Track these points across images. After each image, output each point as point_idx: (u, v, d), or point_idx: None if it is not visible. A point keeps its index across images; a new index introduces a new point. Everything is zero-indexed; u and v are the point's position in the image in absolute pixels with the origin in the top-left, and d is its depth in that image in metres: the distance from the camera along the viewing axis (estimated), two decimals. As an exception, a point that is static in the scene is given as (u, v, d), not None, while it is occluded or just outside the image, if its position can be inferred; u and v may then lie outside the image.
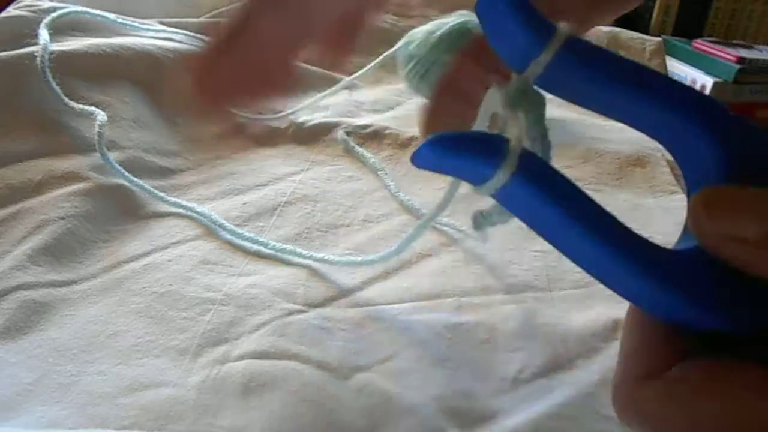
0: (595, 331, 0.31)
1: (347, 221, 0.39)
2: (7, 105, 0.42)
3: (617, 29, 0.68)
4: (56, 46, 0.45)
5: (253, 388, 0.27)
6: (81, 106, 0.42)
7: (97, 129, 0.40)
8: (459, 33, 0.48)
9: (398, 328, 0.31)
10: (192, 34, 0.55)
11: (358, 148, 0.46)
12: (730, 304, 0.15)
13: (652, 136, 0.18)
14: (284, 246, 0.35)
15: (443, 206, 0.24)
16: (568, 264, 0.17)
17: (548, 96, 0.19)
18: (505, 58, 0.18)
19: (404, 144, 0.48)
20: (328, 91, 0.50)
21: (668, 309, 0.16)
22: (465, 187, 0.19)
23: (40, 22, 0.46)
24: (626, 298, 0.17)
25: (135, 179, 0.39)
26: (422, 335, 0.30)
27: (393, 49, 0.53)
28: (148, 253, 0.35)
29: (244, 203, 0.40)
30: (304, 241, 0.37)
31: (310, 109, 0.52)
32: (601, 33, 0.67)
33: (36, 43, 0.44)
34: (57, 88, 0.42)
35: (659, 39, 0.67)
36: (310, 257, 0.35)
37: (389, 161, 0.46)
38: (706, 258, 0.15)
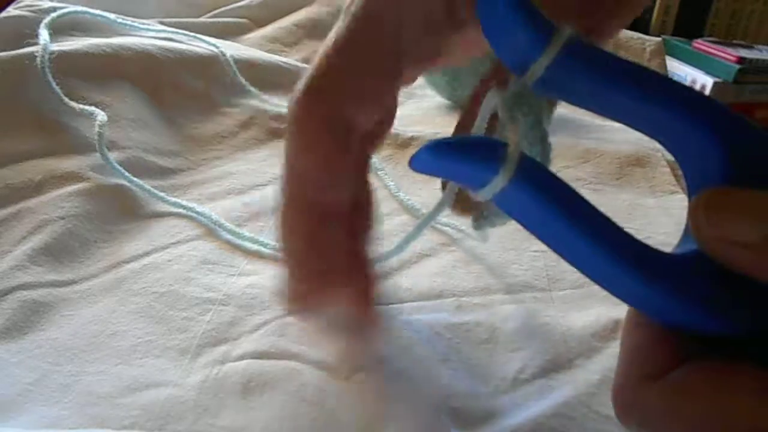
0: (595, 331, 0.31)
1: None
2: (7, 105, 0.42)
3: (617, 29, 0.68)
4: (56, 46, 0.45)
5: (253, 388, 0.27)
6: (81, 106, 0.42)
7: (97, 129, 0.40)
8: None
9: (398, 328, 0.31)
10: (192, 34, 0.55)
11: (358, 148, 0.46)
12: (730, 309, 0.15)
13: (653, 137, 0.18)
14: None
15: (442, 205, 0.24)
16: (568, 264, 0.17)
17: None
18: (505, 60, 0.18)
19: (404, 144, 0.48)
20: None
21: (668, 313, 0.16)
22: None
23: (40, 22, 0.46)
24: (625, 301, 0.17)
25: (135, 179, 0.39)
26: (422, 335, 0.30)
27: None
28: (148, 253, 0.35)
29: (244, 203, 0.40)
30: (304, 241, 0.37)
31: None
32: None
33: (36, 43, 0.44)
34: (57, 88, 0.42)
35: (659, 39, 0.67)
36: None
37: (389, 161, 0.46)
38: (706, 261, 0.15)
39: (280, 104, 0.52)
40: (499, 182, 0.16)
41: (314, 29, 0.65)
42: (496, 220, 0.22)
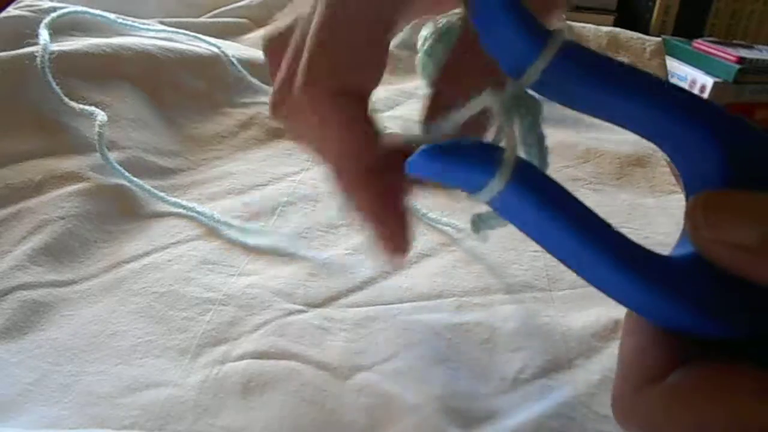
0: (595, 331, 0.31)
1: (347, 221, 0.39)
2: (6, 105, 0.42)
3: (617, 29, 0.68)
4: (56, 46, 0.45)
5: (253, 388, 0.27)
6: (81, 106, 0.42)
7: (97, 129, 0.40)
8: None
9: (398, 328, 0.31)
10: (192, 34, 0.55)
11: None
12: (729, 311, 0.15)
13: (650, 140, 0.18)
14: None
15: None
16: (567, 265, 0.17)
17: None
18: (501, 64, 0.18)
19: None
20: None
21: (666, 316, 0.16)
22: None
23: (40, 22, 0.46)
24: (624, 304, 0.17)
25: (135, 179, 0.39)
26: (422, 335, 0.30)
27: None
28: (148, 253, 0.35)
29: (244, 203, 0.40)
30: (304, 241, 0.37)
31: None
32: (601, 33, 0.67)
33: (36, 43, 0.44)
34: (57, 89, 0.42)
35: (659, 39, 0.67)
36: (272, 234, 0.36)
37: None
38: (703, 264, 0.15)
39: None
40: (495, 186, 0.16)
41: (314, 29, 0.65)
42: (495, 223, 0.22)
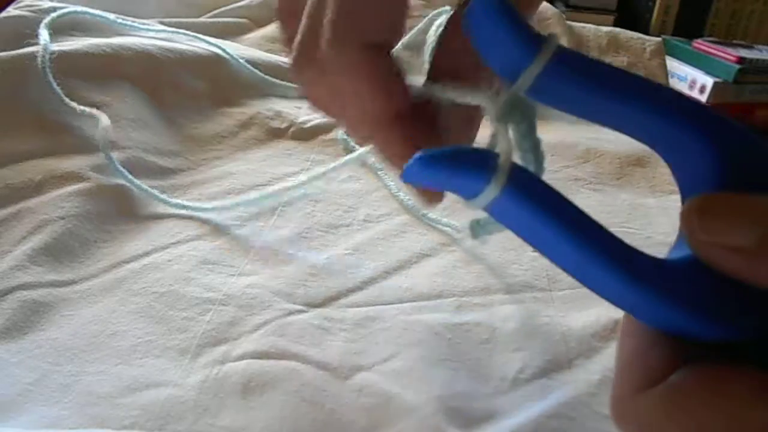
0: (595, 331, 0.31)
1: (347, 221, 0.39)
2: (7, 105, 0.42)
3: (617, 29, 0.68)
4: (56, 47, 0.45)
5: (253, 388, 0.27)
6: (83, 107, 0.42)
7: (101, 133, 0.40)
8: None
9: (398, 328, 0.31)
10: (192, 34, 0.55)
11: (358, 148, 0.46)
12: (726, 314, 0.15)
13: (646, 143, 0.18)
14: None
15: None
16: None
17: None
18: (496, 69, 0.18)
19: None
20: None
21: (663, 320, 0.16)
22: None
23: (40, 22, 0.46)
24: (620, 308, 0.17)
25: (139, 183, 0.39)
26: (422, 335, 0.30)
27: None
28: (148, 253, 0.35)
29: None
30: (304, 241, 0.37)
31: (310, 108, 0.52)
32: (601, 33, 0.67)
33: (36, 43, 0.44)
34: (58, 89, 0.42)
35: (659, 39, 0.67)
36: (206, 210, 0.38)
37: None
38: (700, 267, 0.15)
39: (280, 104, 0.52)
40: (490, 193, 0.16)
41: (314, 29, 0.65)
42: (493, 228, 0.22)
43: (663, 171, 0.46)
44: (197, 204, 0.39)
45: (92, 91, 0.44)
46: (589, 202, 0.42)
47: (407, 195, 0.41)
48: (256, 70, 0.53)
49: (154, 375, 0.27)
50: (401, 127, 0.22)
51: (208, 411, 0.26)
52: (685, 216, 0.15)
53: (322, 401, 0.26)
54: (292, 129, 0.49)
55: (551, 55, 0.17)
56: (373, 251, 0.36)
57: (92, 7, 0.51)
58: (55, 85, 0.42)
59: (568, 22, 0.66)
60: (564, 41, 0.64)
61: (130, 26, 0.52)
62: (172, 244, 0.36)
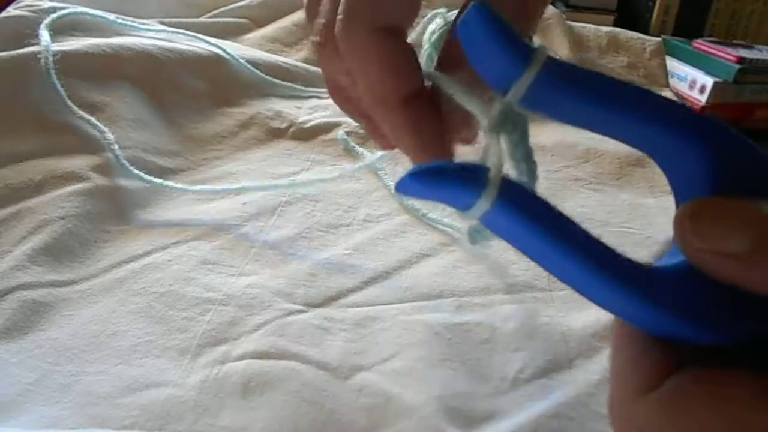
0: (595, 331, 0.31)
1: (347, 221, 0.39)
2: (7, 105, 0.42)
3: (617, 29, 0.68)
4: (56, 47, 0.45)
5: (253, 388, 0.27)
6: (87, 116, 0.42)
7: (110, 146, 0.40)
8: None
9: (398, 328, 0.31)
10: (192, 34, 0.55)
11: (358, 148, 0.46)
12: (721, 320, 0.15)
13: (640, 149, 0.19)
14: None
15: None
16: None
17: None
18: (488, 80, 0.18)
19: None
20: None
21: (657, 327, 0.16)
22: None
23: (41, 22, 0.46)
24: (617, 315, 0.17)
25: (155, 179, 0.39)
26: (422, 335, 0.30)
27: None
28: (148, 253, 0.35)
29: (244, 203, 0.40)
30: (304, 241, 0.37)
31: (310, 108, 0.52)
32: (601, 33, 0.67)
33: (36, 44, 0.44)
34: (62, 91, 0.42)
35: (659, 39, 0.67)
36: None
37: (389, 161, 0.46)
38: (695, 272, 0.15)
39: (279, 104, 0.52)
40: (481, 206, 0.17)
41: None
42: (491, 234, 0.22)
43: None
44: (205, 187, 0.39)
45: (92, 91, 0.44)
46: (589, 202, 0.42)
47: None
48: (256, 70, 0.53)
49: (154, 375, 0.27)
50: (407, 110, 0.22)
51: (208, 411, 0.26)
52: (677, 222, 0.15)
53: (322, 401, 0.26)
54: (292, 129, 0.49)
55: (542, 66, 0.17)
56: (373, 251, 0.36)
57: (92, 7, 0.51)
58: (59, 86, 0.42)
59: (568, 22, 0.66)
60: (564, 41, 0.64)
61: (130, 26, 0.52)
62: (172, 244, 0.36)
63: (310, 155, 0.46)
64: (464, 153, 0.22)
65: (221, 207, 0.39)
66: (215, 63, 0.52)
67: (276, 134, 0.49)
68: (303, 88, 0.55)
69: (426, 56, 0.26)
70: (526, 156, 0.19)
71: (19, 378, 0.27)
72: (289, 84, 0.54)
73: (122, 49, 0.48)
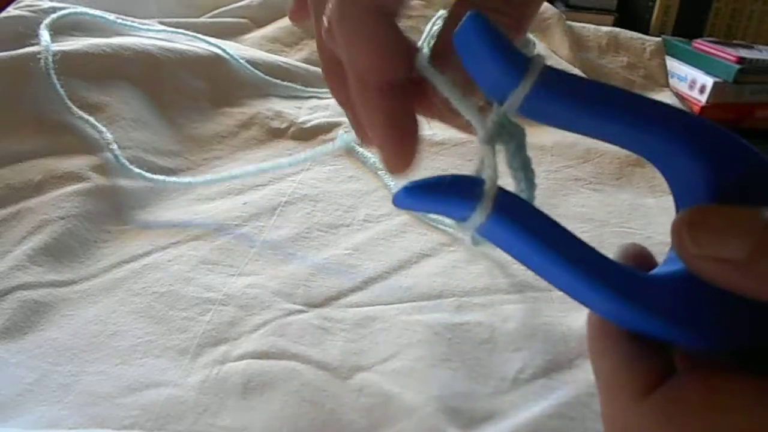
0: (595, 331, 0.31)
1: (347, 221, 0.39)
2: (7, 105, 0.42)
3: (617, 29, 0.68)
4: (56, 47, 0.45)
5: (253, 388, 0.27)
6: (86, 116, 0.42)
7: (109, 146, 0.40)
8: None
9: (398, 328, 0.31)
10: (192, 34, 0.55)
11: (358, 148, 0.46)
12: (718, 326, 0.15)
13: (640, 155, 0.19)
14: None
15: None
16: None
17: None
18: (485, 90, 0.19)
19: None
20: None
21: (657, 333, 0.16)
22: None
23: (40, 22, 0.46)
24: (616, 323, 0.17)
25: (155, 176, 0.39)
26: (422, 335, 0.30)
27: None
28: (148, 253, 0.35)
29: (244, 203, 0.40)
30: (304, 241, 0.37)
31: (310, 108, 0.52)
32: (601, 33, 0.67)
33: (36, 44, 0.44)
34: (62, 91, 0.42)
35: (659, 39, 0.67)
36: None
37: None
38: (693, 279, 0.15)
39: (280, 104, 0.52)
40: (476, 219, 0.17)
41: (314, 29, 0.65)
42: None
43: (663, 171, 0.46)
44: (196, 179, 0.40)
45: (92, 91, 0.44)
46: (589, 202, 0.42)
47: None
48: (256, 70, 0.53)
49: (154, 375, 0.27)
50: (387, 98, 0.22)
51: (208, 411, 0.26)
52: (675, 229, 0.15)
53: (322, 401, 0.26)
54: (292, 129, 0.49)
55: (538, 75, 0.17)
56: (373, 251, 0.36)
57: (92, 7, 0.51)
58: (59, 87, 0.42)
59: (568, 22, 0.66)
60: (564, 41, 0.64)
61: (130, 26, 0.52)
62: (172, 244, 0.36)
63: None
64: (460, 166, 0.22)
65: (221, 207, 0.39)
66: (215, 63, 0.52)
67: (276, 134, 0.49)
68: (303, 88, 0.55)
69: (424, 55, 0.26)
70: (523, 165, 0.19)
71: (19, 378, 0.27)
72: (289, 84, 0.54)
73: (122, 49, 0.48)
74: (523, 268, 0.36)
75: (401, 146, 0.23)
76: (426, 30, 0.55)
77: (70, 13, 0.49)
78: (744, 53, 0.63)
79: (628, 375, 0.16)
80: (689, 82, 0.64)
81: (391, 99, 0.22)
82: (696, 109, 0.62)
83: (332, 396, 0.27)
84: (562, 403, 0.27)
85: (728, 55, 0.62)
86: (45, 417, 0.25)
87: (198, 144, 0.46)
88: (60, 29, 0.48)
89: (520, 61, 0.17)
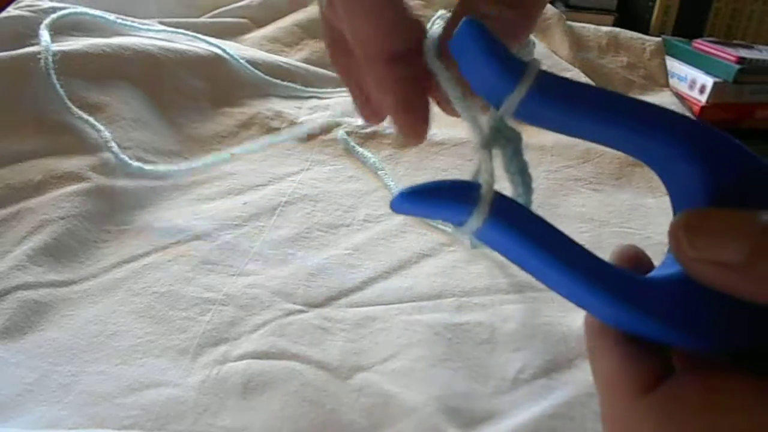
0: (595, 331, 0.31)
1: (347, 221, 0.39)
2: (7, 105, 0.42)
3: (617, 29, 0.68)
4: (56, 47, 0.45)
5: (253, 388, 0.27)
6: (86, 116, 0.42)
7: (107, 144, 0.40)
8: None
9: (398, 328, 0.31)
10: (192, 34, 0.55)
11: (358, 148, 0.46)
12: (716, 328, 0.15)
13: (637, 158, 0.19)
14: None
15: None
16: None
17: None
18: (481, 95, 0.19)
19: (404, 144, 0.48)
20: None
21: (655, 335, 0.16)
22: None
23: (40, 22, 0.46)
24: (614, 326, 0.17)
25: (156, 168, 0.39)
26: (422, 335, 0.30)
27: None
28: (148, 253, 0.35)
29: (244, 203, 0.40)
30: (304, 241, 0.37)
31: (310, 108, 0.52)
32: (601, 33, 0.67)
33: (36, 44, 0.44)
34: (62, 92, 0.42)
35: (659, 39, 0.67)
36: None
37: (389, 161, 0.46)
38: (690, 281, 0.15)
39: (279, 104, 0.52)
40: (473, 223, 0.17)
41: (314, 29, 0.65)
42: None
43: (663, 171, 0.46)
44: (194, 164, 0.40)
45: (92, 91, 0.44)
46: (589, 202, 0.42)
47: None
48: (256, 70, 0.53)
49: (154, 375, 0.27)
50: (393, 67, 0.22)
51: (208, 411, 0.26)
52: (672, 232, 0.15)
53: (322, 401, 0.26)
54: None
55: (533, 80, 0.17)
56: (373, 251, 0.36)
57: (92, 7, 0.51)
58: (59, 87, 0.42)
59: (568, 22, 0.66)
60: (564, 41, 0.63)
61: (130, 26, 0.52)
62: (172, 244, 0.36)
63: (310, 155, 0.46)
64: (460, 166, 0.22)
65: (221, 207, 0.39)
66: (215, 63, 0.52)
67: (276, 134, 0.49)
68: (303, 88, 0.55)
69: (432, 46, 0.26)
70: (520, 170, 0.19)
71: (19, 378, 0.27)
72: (289, 84, 0.54)
73: (122, 49, 0.48)
74: (523, 268, 0.36)
75: (413, 115, 0.23)
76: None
77: (70, 13, 0.49)
78: (744, 53, 0.63)
79: (627, 375, 0.16)
80: (689, 82, 0.64)
81: (399, 69, 0.22)
82: (696, 109, 0.62)
83: (332, 396, 0.27)
84: (562, 403, 0.27)
85: (728, 55, 0.62)
86: (45, 417, 0.25)
87: (198, 144, 0.46)
88: (60, 29, 0.48)
89: (515, 66, 0.17)
